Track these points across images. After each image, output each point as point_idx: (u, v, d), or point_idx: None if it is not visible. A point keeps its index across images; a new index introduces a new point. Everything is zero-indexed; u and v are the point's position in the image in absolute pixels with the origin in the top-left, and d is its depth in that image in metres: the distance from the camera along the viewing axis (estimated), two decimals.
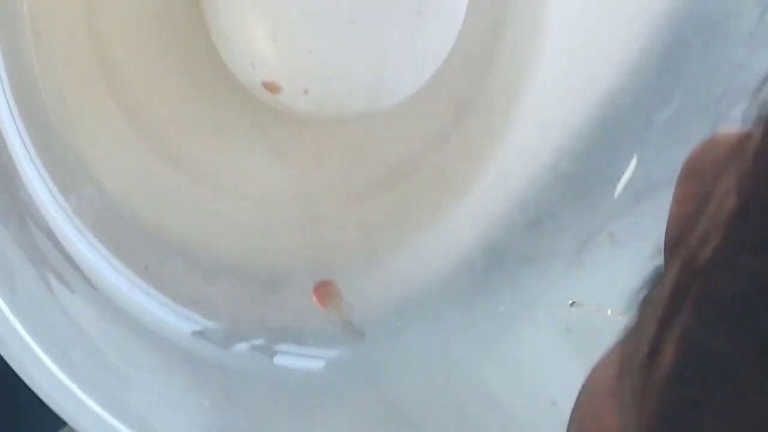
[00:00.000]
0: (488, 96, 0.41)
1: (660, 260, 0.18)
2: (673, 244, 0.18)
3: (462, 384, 0.39)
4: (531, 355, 0.40)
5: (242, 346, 0.39)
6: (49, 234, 0.36)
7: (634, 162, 0.41)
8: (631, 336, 0.19)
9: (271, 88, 0.36)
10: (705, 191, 0.17)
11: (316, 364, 0.40)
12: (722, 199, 0.15)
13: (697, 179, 0.18)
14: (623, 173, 0.41)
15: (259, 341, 0.39)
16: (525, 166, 0.41)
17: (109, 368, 0.35)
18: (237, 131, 0.39)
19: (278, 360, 0.39)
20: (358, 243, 0.40)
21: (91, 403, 0.32)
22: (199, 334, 0.38)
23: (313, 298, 0.39)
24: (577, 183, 0.41)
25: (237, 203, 0.40)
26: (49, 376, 0.31)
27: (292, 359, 0.39)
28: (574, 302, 0.39)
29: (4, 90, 0.36)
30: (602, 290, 0.39)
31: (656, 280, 0.18)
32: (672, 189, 0.22)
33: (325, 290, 0.40)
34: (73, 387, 0.31)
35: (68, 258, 0.36)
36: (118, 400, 0.32)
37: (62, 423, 0.31)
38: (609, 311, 0.38)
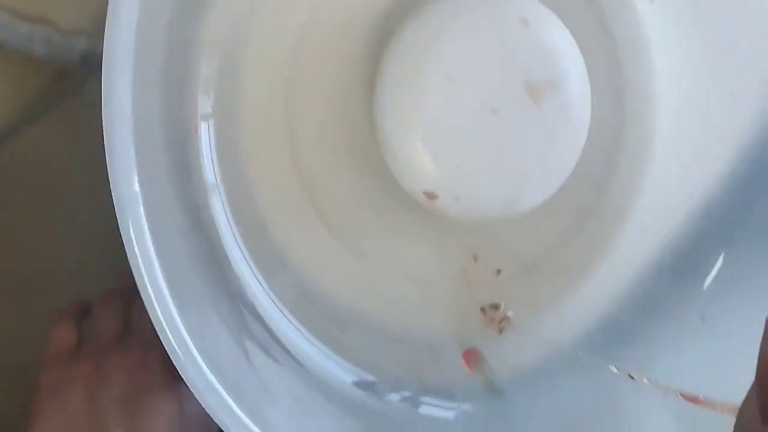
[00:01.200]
0: (605, 205, 0.48)
1: None
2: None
3: None
4: (636, 420, 0.45)
5: (396, 397, 0.45)
6: (253, 311, 0.43)
7: (721, 259, 0.48)
8: None
9: (430, 196, 0.41)
10: None
11: (455, 415, 0.46)
12: None
13: None
14: (713, 267, 0.48)
15: (414, 394, 0.45)
16: (634, 261, 0.48)
17: (291, 414, 0.42)
18: (405, 229, 0.46)
19: (423, 410, 0.46)
20: (497, 320, 0.46)
21: None
22: (367, 387, 0.45)
23: (462, 361, 0.46)
24: (675, 274, 0.48)
25: (405, 287, 0.46)
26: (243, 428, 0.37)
27: (436, 410, 0.46)
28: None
29: (218, 189, 0.43)
30: (695, 362, 0.45)
31: None
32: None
33: (472, 356, 0.46)
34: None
35: (270, 332, 0.43)
36: None
37: None
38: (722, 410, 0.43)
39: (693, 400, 0.43)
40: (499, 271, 0.47)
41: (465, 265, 0.46)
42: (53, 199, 0.59)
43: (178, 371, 0.46)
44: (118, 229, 0.34)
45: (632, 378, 0.44)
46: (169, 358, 0.47)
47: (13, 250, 0.59)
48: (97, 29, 0.56)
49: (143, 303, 0.51)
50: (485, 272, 0.46)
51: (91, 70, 0.57)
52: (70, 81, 0.57)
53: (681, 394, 0.43)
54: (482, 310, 0.45)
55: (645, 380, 0.45)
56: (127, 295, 0.53)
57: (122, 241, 0.34)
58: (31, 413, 0.47)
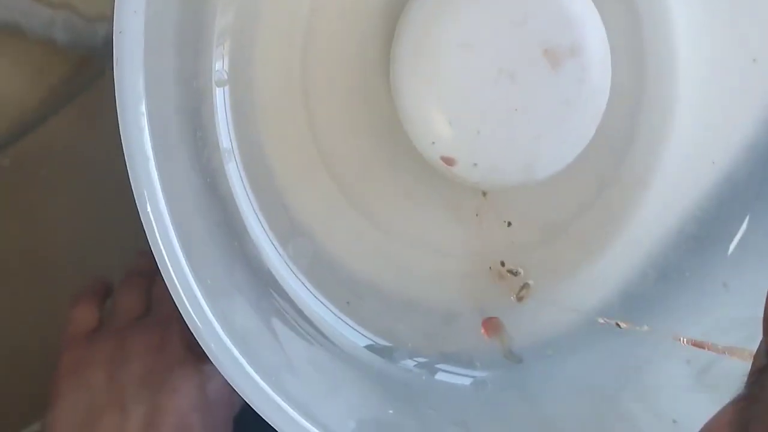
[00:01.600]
0: (626, 172, 0.47)
1: None
2: None
3: (604, 405, 0.44)
4: (659, 383, 0.45)
5: (413, 364, 0.45)
6: (270, 278, 0.43)
7: (745, 225, 0.47)
8: (748, 402, 0.23)
9: (448, 161, 0.41)
10: None
11: (475, 382, 0.46)
12: None
13: None
14: (736, 234, 0.47)
15: (431, 362, 0.45)
16: (655, 229, 0.47)
17: (311, 383, 0.42)
18: (421, 196, 0.45)
19: (441, 377, 0.46)
20: (516, 288, 0.46)
21: (293, 413, 0.37)
22: (385, 354, 0.45)
23: (482, 330, 0.46)
24: (697, 242, 0.47)
25: (421, 254, 0.46)
26: (265, 398, 0.37)
27: (456, 377, 0.46)
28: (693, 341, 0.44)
29: (236, 161, 0.43)
30: (716, 328, 0.44)
31: None
32: None
33: (491, 324, 0.46)
34: (280, 401, 0.37)
35: (287, 299, 0.43)
36: (315, 406, 0.38)
37: None
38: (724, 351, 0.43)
39: (700, 345, 0.43)
40: (517, 239, 0.46)
41: (483, 233, 0.45)
42: (77, 183, 0.59)
43: (198, 350, 0.46)
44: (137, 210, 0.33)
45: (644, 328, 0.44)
46: (189, 336, 0.47)
47: (37, 233, 0.60)
48: None
49: (162, 279, 0.52)
50: (504, 240, 0.45)
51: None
52: (93, 67, 0.57)
53: (688, 340, 0.44)
54: (501, 276, 0.44)
55: (645, 327, 0.45)
56: (147, 274, 0.53)
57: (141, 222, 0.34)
58: (52, 393, 0.47)
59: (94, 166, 0.59)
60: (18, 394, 0.60)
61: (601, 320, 0.45)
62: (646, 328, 0.45)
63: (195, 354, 0.47)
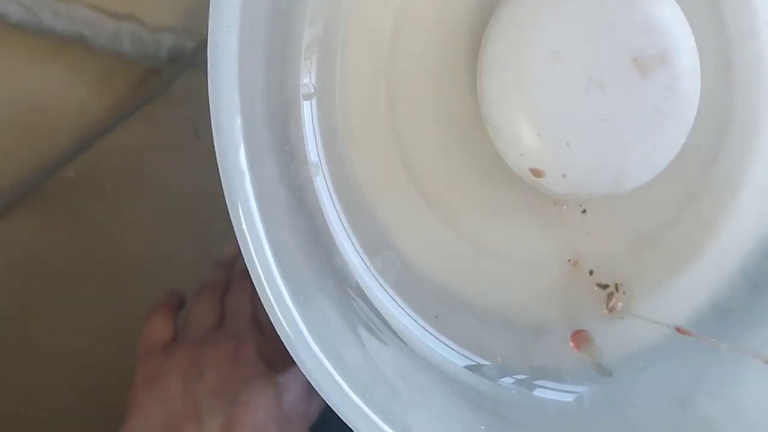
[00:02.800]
0: (715, 181, 0.46)
1: None
2: None
3: (694, 418, 0.43)
4: (751, 397, 0.43)
5: (508, 380, 0.45)
6: (359, 291, 0.43)
7: None
8: None
9: (536, 173, 0.40)
10: None
11: (569, 397, 0.45)
12: None
13: None
14: None
15: (523, 377, 0.45)
16: (746, 239, 0.46)
17: (401, 395, 0.41)
18: (509, 207, 0.45)
19: (537, 392, 0.45)
20: (606, 300, 0.45)
21: (383, 425, 0.37)
22: (475, 369, 0.44)
23: (570, 343, 0.45)
24: None
25: (508, 266, 0.45)
26: (354, 408, 0.37)
27: (550, 392, 0.45)
28: None
29: (324, 175, 0.43)
30: None
31: None
32: None
33: (580, 337, 0.45)
34: (370, 412, 0.37)
35: (376, 312, 0.43)
36: (405, 418, 0.38)
37: None
38: None
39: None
40: (606, 250, 0.45)
41: (571, 245, 0.45)
42: (144, 194, 0.60)
43: (272, 361, 0.47)
44: (209, 221, 0.34)
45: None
46: (264, 348, 0.47)
47: (107, 246, 0.60)
48: (184, 27, 0.56)
49: (235, 291, 0.52)
50: (593, 252, 0.45)
51: (180, 67, 0.57)
52: (158, 79, 0.57)
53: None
54: (590, 288, 0.43)
55: (723, 345, 0.44)
56: (221, 286, 0.53)
57: (213, 233, 0.34)
58: (128, 405, 0.47)
59: (161, 178, 0.59)
60: (92, 407, 0.60)
61: (676, 329, 0.44)
62: (723, 345, 0.43)
63: (269, 366, 0.47)
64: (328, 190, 0.43)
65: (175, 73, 0.59)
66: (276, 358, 0.50)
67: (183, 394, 0.47)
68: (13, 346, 0.62)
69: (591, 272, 0.46)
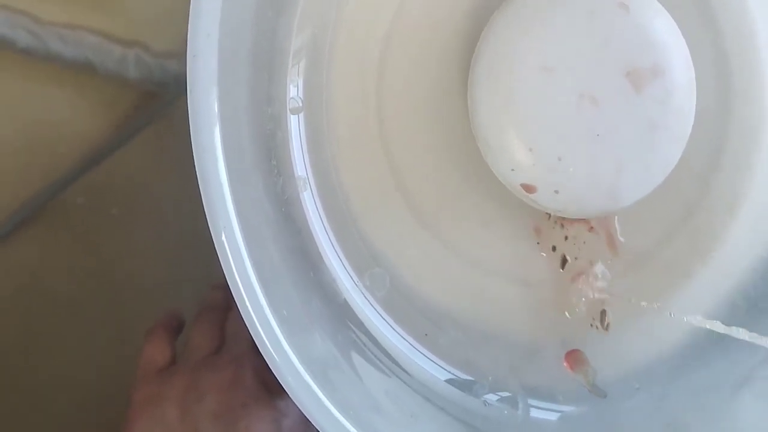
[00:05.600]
0: (712, 198, 0.45)
1: None
2: None
3: None
4: (746, 420, 0.43)
5: (499, 400, 0.44)
6: (346, 309, 0.42)
7: None
8: None
9: (528, 189, 0.40)
10: None
11: (561, 417, 0.44)
12: None
13: None
14: None
15: (514, 396, 0.44)
16: (744, 257, 0.45)
17: (390, 416, 0.40)
18: (501, 223, 0.44)
19: (528, 412, 0.44)
20: (601, 318, 0.44)
21: None
22: (465, 388, 0.43)
23: (564, 363, 0.44)
24: None
25: (500, 283, 0.44)
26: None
27: (542, 412, 0.44)
28: None
29: (311, 191, 0.42)
30: None
31: None
32: None
33: (574, 357, 0.44)
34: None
35: (364, 330, 0.42)
36: None
37: None
38: None
39: None
40: (602, 267, 0.44)
41: (565, 262, 0.44)
42: (147, 216, 0.59)
43: (272, 386, 0.46)
44: (211, 243, 0.33)
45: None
46: (263, 372, 0.47)
47: (111, 268, 0.60)
48: None
49: (235, 314, 0.51)
50: (587, 269, 0.43)
51: (184, 89, 0.57)
52: (162, 101, 0.57)
53: None
54: (585, 305, 0.42)
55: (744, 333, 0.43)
56: (220, 310, 0.53)
57: (215, 255, 0.33)
58: (125, 429, 0.46)
59: (165, 201, 0.59)
60: (94, 428, 0.60)
61: (709, 325, 0.43)
62: (744, 334, 0.42)
63: (269, 390, 0.47)
64: (316, 205, 0.42)
65: (179, 95, 0.59)
66: (275, 382, 0.50)
67: (181, 418, 0.46)
68: (15, 366, 0.62)
69: (586, 289, 0.44)
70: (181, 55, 0.58)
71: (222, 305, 0.55)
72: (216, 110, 0.32)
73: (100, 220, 0.60)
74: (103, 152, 0.58)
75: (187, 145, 0.32)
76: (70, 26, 0.56)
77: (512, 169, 0.40)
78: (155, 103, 0.58)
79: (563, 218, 0.43)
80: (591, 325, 0.43)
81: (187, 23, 0.32)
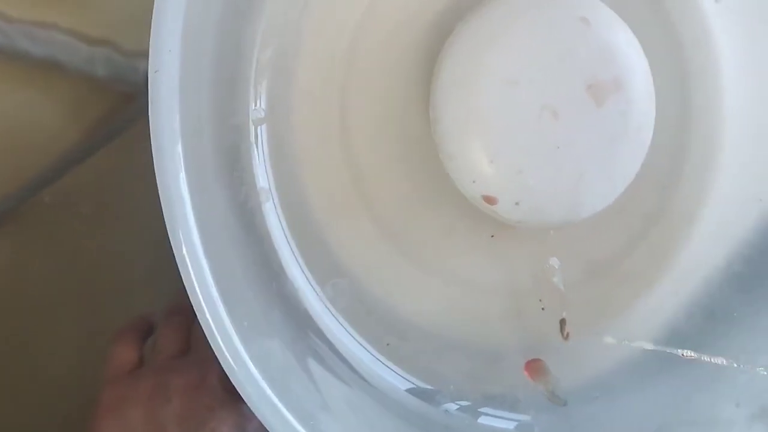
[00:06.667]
0: (672, 210, 0.46)
1: None
2: None
3: None
4: (707, 428, 0.43)
5: (460, 408, 0.44)
6: (308, 318, 0.43)
7: None
8: None
9: (489, 200, 0.40)
10: None
11: (521, 426, 0.45)
12: None
13: None
14: None
15: (476, 405, 0.44)
16: (702, 267, 0.46)
17: (349, 425, 0.41)
18: (464, 234, 0.45)
19: (489, 421, 0.44)
20: (560, 328, 0.45)
21: None
22: (427, 397, 0.44)
23: (525, 372, 0.44)
24: (744, 280, 0.46)
25: (462, 293, 0.45)
26: None
27: (502, 421, 0.44)
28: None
29: (273, 201, 0.42)
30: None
31: None
32: None
33: (534, 366, 0.44)
34: None
35: (325, 340, 0.42)
36: None
37: None
38: None
39: None
40: (563, 276, 0.45)
41: (527, 272, 0.45)
42: (118, 220, 0.59)
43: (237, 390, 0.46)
44: None
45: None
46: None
47: (82, 270, 0.60)
48: None
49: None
50: (548, 278, 0.43)
51: None
52: (135, 104, 0.57)
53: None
54: (546, 314, 0.43)
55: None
56: (188, 313, 0.53)
57: None
58: (91, 430, 0.46)
59: (135, 203, 0.59)
60: (60, 429, 0.59)
61: (681, 352, 0.43)
62: (705, 358, 0.42)
63: (234, 394, 0.47)
64: (278, 217, 0.42)
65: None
66: None
67: (147, 420, 0.46)
68: None
69: (547, 299, 0.45)
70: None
71: (189, 309, 0.55)
72: (177, 125, 0.32)
73: (71, 219, 0.60)
74: (73, 153, 0.58)
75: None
76: (38, 24, 0.56)
77: (473, 181, 0.40)
78: (128, 107, 0.58)
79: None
80: (551, 335, 0.43)
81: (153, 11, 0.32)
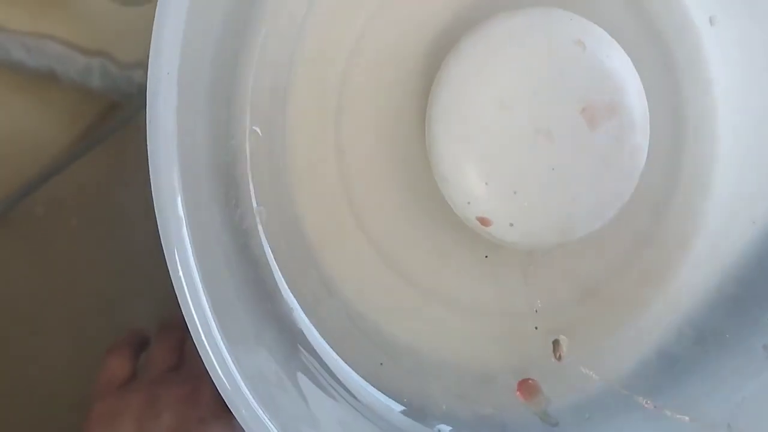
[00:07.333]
0: (665, 231, 0.46)
1: None
2: None
3: None
4: None
5: (452, 429, 0.44)
6: (301, 338, 0.43)
7: None
8: None
9: (483, 222, 0.40)
10: None
11: None
12: None
13: None
14: None
15: (468, 426, 0.44)
16: (694, 289, 0.46)
17: None
18: (458, 255, 0.45)
19: None
20: (552, 349, 0.45)
21: None
22: (419, 418, 0.44)
23: (517, 392, 0.44)
24: (737, 303, 0.46)
25: (455, 314, 0.45)
26: None
27: None
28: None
29: (260, 219, 0.43)
30: (761, 393, 0.43)
31: None
32: None
33: (527, 386, 0.44)
34: None
35: (318, 359, 0.42)
36: None
37: None
38: None
39: None
40: (555, 298, 0.45)
41: (519, 293, 0.45)
42: (109, 231, 0.59)
43: None
44: None
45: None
46: None
47: (69, 284, 0.59)
48: None
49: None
50: (541, 299, 0.44)
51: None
52: (125, 112, 0.57)
53: None
54: (538, 335, 0.43)
55: (686, 418, 0.43)
56: (181, 327, 0.53)
57: None
58: None
59: (127, 214, 0.59)
60: None
61: (625, 392, 0.43)
62: (668, 413, 0.43)
63: (226, 408, 0.47)
64: (274, 237, 0.42)
65: (143, 106, 0.59)
66: None
67: None
68: None
69: (539, 320, 0.45)
70: (145, 65, 0.58)
71: (182, 323, 0.55)
72: (175, 149, 0.33)
73: (60, 231, 0.60)
74: (64, 162, 0.58)
75: (147, 159, 0.32)
76: (34, 35, 0.56)
77: (468, 203, 0.40)
78: (118, 114, 0.58)
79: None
80: (544, 356, 0.43)
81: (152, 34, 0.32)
